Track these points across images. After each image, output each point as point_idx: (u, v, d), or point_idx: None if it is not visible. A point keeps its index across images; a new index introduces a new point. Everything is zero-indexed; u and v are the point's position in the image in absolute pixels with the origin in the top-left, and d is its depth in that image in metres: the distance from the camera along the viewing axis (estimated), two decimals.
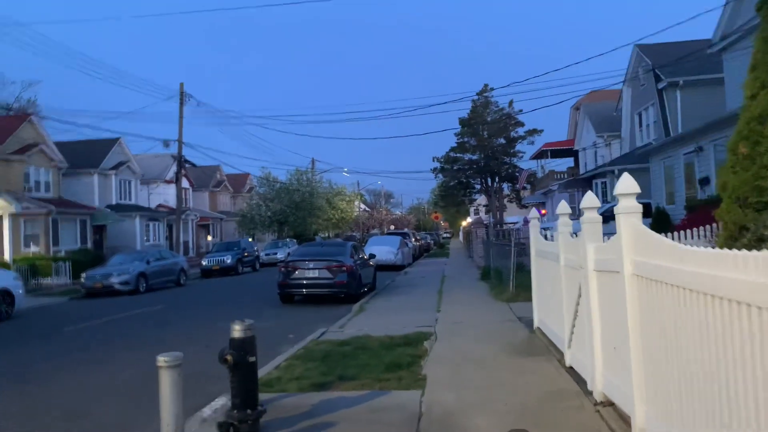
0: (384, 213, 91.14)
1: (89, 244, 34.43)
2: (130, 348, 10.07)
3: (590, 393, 5.34)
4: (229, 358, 4.79)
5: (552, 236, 8.66)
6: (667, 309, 3.43)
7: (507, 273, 14.07)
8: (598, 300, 5.10)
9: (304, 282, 14.62)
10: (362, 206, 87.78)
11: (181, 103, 31.05)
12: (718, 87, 22.76)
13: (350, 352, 8.01)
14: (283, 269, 14.95)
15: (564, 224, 6.67)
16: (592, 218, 5.33)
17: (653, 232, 3.75)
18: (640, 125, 27.55)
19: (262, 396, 5.90)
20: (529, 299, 12.78)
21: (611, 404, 4.93)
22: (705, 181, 14.92)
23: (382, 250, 27.42)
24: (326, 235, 70.34)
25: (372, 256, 18.12)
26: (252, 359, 4.88)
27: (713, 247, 3.22)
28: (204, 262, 30.91)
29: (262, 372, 7.15)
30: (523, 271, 13.58)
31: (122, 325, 13.44)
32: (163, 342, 10.37)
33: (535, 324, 8.89)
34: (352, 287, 14.74)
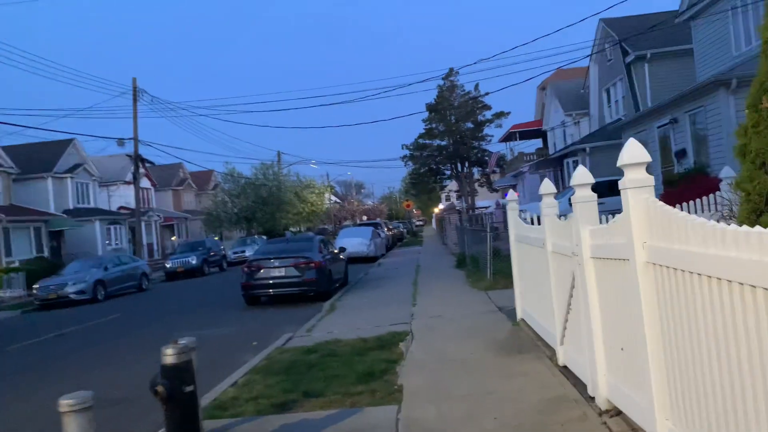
0: (355, 204, 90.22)
1: (46, 252, 32.82)
2: (63, 373, 9.01)
3: (592, 399, 4.61)
4: (160, 389, 3.92)
5: (531, 219, 7.94)
6: (700, 306, 2.68)
7: (483, 259, 13.38)
8: (598, 292, 4.36)
9: (270, 282, 13.70)
10: (333, 198, 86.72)
11: (135, 100, 29.59)
12: (687, 58, 22.38)
13: (318, 360, 7.17)
14: (246, 269, 14.00)
15: (548, 205, 5.94)
16: (585, 197, 4.58)
17: (677, 210, 2.98)
18: (609, 101, 27.15)
19: (213, 423, 5.03)
20: (508, 286, 12.12)
21: (618, 413, 4.20)
22: (681, 154, 14.42)
23: (354, 242, 26.58)
24: (297, 229, 69.12)
25: (342, 249, 17.26)
26: (189, 389, 4.01)
27: (729, 224, 2.49)
28: (168, 265, 29.65)
29: (216, 391, 6.28)
30: (500, 256, 12.92)
31: (71, 340, 12.35)
32: (107, 360, 9.41)
33: (519, 315, 8.18)
34: (322, 284, 13.88)
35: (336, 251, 16.70)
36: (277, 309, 13.73)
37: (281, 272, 13.71)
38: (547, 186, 6.02)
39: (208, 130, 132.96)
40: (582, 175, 4.58)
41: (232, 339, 10.21)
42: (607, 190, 19.45)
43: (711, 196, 9.09)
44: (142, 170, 50.04)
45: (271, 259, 13.93)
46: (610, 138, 23.33)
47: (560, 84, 34.27)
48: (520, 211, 18.84)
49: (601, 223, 4.70)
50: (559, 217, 5.73)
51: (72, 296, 19.63)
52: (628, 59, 23.60)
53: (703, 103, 13.29)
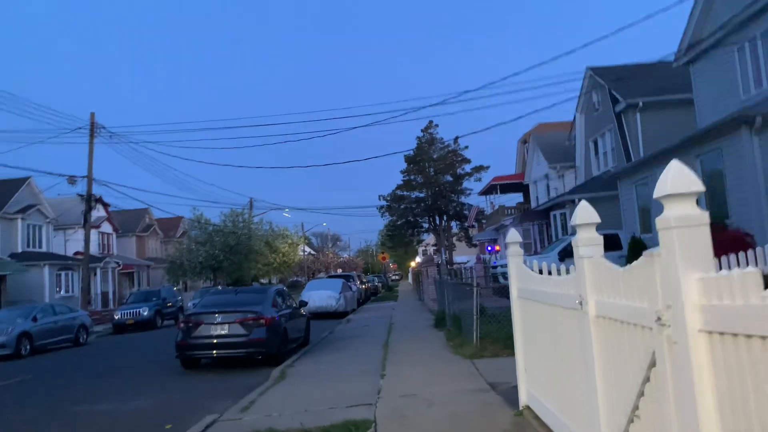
0: (330, 256, 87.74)
1: None
2: None
3: None
4: None
5: (540, 269, 5.92)
6: None
7: (467, 319, 11.21)
8: (716, 393, 2.28)
9: (210, 341, 11.30)
10: (308, 249, 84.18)
11: (92, 135, 27.42)
12: (683, 108, 21.14)
13: None
14: (183, 325, 11.60)
15: (589, 242, 3.89)
16: (686, 216, 2.55)
17: None
18: (596, 153, 25.76)
19: None
20: (498, 354, 9.95)
21: None
22: None
23: (322, 295, 24.22)
24: (267, 281, 66.26)
25: (303, 303, 14.97)
26: None
27: None
28: (117, 316, 26.80)
29: None
30: (486, 316, 10.79)
31: None
32: None
33: (523, 400, 6.00)
34: (273, 345, 11.52)
35: (296, 305, 14.41)
36: (217, 374, 11.31)
37: (224, 329, 11.34)
38: (586, 214, 4.00)
39: (177, 173, 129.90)
40: (681, 179, 2.55)
41: (144, 417, 7.80)
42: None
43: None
44: (104, 214, 47.56)
45: (213, 313, 11.57)
46: (601, 189, 21.73)
47: (543, 136, 33.09)
48: (499, 266, 16.72)
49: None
50: (619, 262, 3.68)
51: None
52: (619, 108, 22.32)
53: (720, 145, 11.63)
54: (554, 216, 23.07)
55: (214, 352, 11.41)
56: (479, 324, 10.20)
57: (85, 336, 21.16)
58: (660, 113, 21.48)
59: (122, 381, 11.18)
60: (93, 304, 40.50)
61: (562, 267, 4.66)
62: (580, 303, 3.83)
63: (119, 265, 44.22)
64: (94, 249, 44.55)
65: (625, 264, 3.27)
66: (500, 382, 7.71)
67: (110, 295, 41.35)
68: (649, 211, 15.28)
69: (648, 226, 15.27)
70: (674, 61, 17.55)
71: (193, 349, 11.45)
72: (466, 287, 11.48)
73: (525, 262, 5.98)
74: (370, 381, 8.65)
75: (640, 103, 21.47)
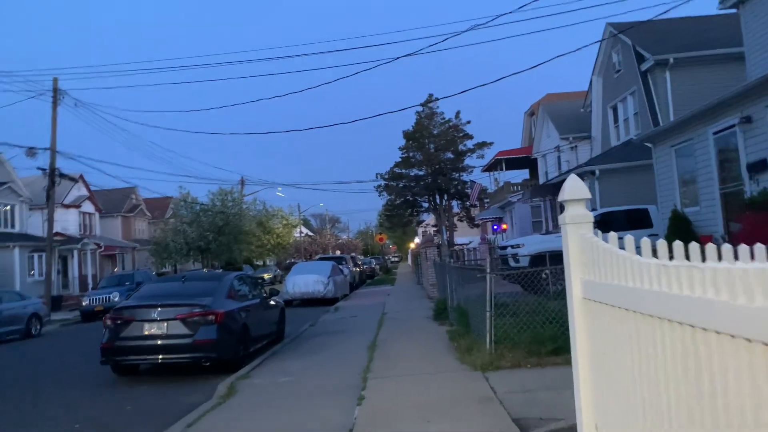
0: (328, 237, 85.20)
1: None
2: None
3: None
4: None
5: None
6: None
7: (477, 314, 8.62)
8: None
9: (144, 344, 8.71)
10: (305, 231, 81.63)
11: (55, 103, 24.64)
12: (719, 64, 18.39)
13: None
14: (110, 322, 9.00)
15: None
16: None
17: None
18: (616, 120, 23.01)
19: None
20: (521, 364, 7.35)
21: None
22: (760, 166, 10.00)
23: (308, 279, 21.65)
24: (262, 263, 63.76)
25: (274, 292, 12.37)
26: None
27: None
28: (85, 302, 24.31)
29: None
30: (502, 309, 8.20)
31: None
32: None
33: None
34: (227, 348, 8.94)
35: (265, 295, 11.81)
36: (154, 386, 8.75)
37: (162, 328, 8.74)
38: None
39: (163, 150, 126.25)
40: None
41: None
42: (626, 221, 14.82)
43: None
44: (85, 192, 44.86)
45: (149, 307, 8.96)
46: (624, 159, 19.04)
47: (554, 105, 30.28)
48: (503, 247, 14.18)
49: None
50: None
51: None
52: (645, 66, 19.53)
53: None
54: None
55: (148, 357, 8.83)
56: (494, 323, 7.58)
57: (38, 327, 18.64)
58: (693, 71, 18.72)
59: (23, 398, 8.61)
60: (70, 287, 38.07)
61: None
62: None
63: (100, 247, 41.63)
64: (74, 230, 42.00)
65: None
66: (532, 417, 5.13)
67: (89, 279, 38.81)
68: (694, 181, 12.62)
69: (695, 197, 12.61)
70: (720, 3, 14.74)
71: (121, 354, 8.87)
72: (474, 273, 8.85)
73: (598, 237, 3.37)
74: (342, 408, 6.08)
75: (671, 60, 18.69)
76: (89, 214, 45.05)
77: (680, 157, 13.24)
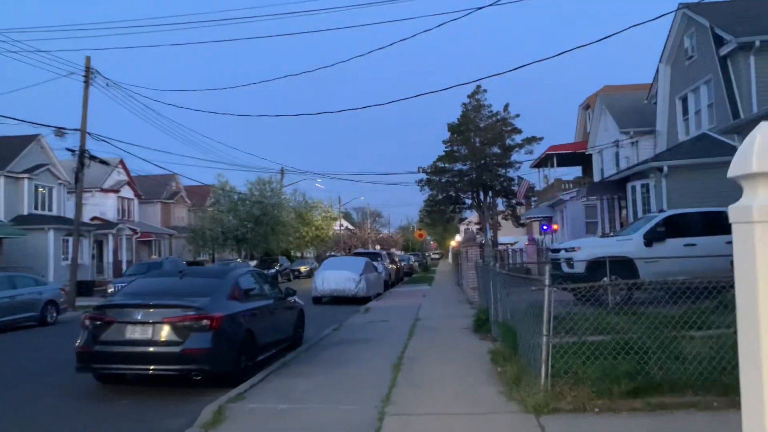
0: (368, 232, 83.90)
1: None
2: None
3: None
4: None
5: None
6: None
7: (528, 337, 6.85)
8: None
9: (124, 351, 7.30)
10: (345, 224, 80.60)
11: (87, 83, 23.83)
12: None
13: None
14: (88, 323, 7.63)
15: None
16: None
17: None
18: (685, 112, 20.65)
19: None
20: (587, 407, 5.52)
21: None
22: None
23: (339, 276, 20.16)
24: (300, 255, 62.87)
25: (291, 292, 10.86)
26: None
27: None
28: (110, 289, 23.52)
29: None
30: (557, 326, 6.42)
31: None
32: None
33: None
34: (224, 359, 7.46)
35: (280, 294, 10.31)
36: (136, 398, 7.33)
37: (146, 333, 7.31)
38: None
39: (199, 138, 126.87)
40: None
41: None
42: (702, 225, 12.67)
43: None
44: (124, 177, 44.65)
45: (134, 307, 7.54)
46: (700, 155, 16.80)
47: (613, 97, 27.90)
48: (555, 250, 12.35)
49: None
50: None
51: None
52: (725, 50, 17.19)
53: None
54: (633, 188, 18.20)
55: (130, 366, 7.42)
56: (553, 352, 5.82)
57: (54, 314, 17.75)
58: None
59: (10, 399, 7.31)
60: (105, 272, 37.76)
61: None
62: None
63: (136, 233, 41.24)
64: (112, 214, 41.80)
65: None
66: None
67: (124, 264, 38.38)
68: None
69: None
70: None
71: (99, 360, 7.48)
72: (526, 283, 7.07)
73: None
74: None
75: (757, 43, 16.33)
76: (128, 199, 44.84)
77: None
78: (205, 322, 7.31)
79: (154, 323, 7.29)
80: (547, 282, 5.85)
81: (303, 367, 8.55)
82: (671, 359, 6.14)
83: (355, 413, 5.93)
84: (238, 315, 8.07)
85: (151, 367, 7.27)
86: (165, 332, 7.26)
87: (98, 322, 7.51)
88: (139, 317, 7.36)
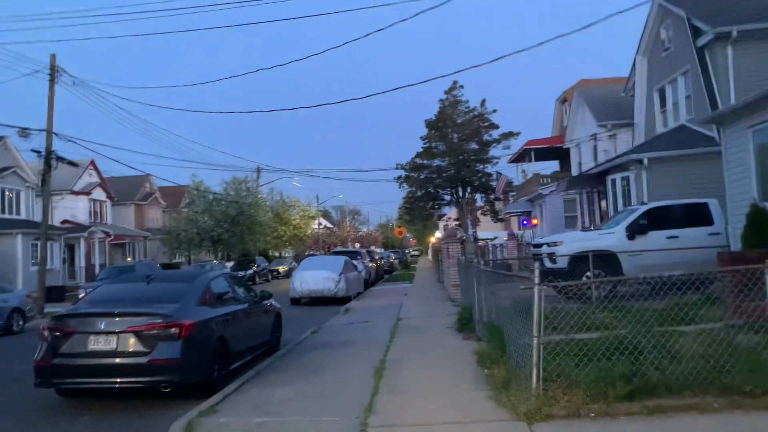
0: (348, 230, 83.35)
1: None
2: None
3: None
4: None
5: None
6: None
7: (514, 333, 6.51)
8: None
9: (87, 363, 6.80)
10: (324, 223, 79.92)
11: (52, 80, 22.99)
12: None
13: None
14: (47, 333, 7.11)
15: None
16: None
17: None
18: (663, 104, 20.59)
19: None
20: (581, 412, 5.14)
21: None
22: None
23: (318, 276, 19.70)
24: (278, 254, 62.11)
25: (267, 295, 10.41)
26: None
27: None
28: (81, 294, 22.68)
29: None
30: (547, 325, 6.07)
31: None
32: None
33: None
34: (195, 369, 7.01)
35: (255, 298, 9.85)
36: (98, 415, 6.84)
37: (110, 344, 6.82)
38: None
39: (172, 137, 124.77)
40: None
41: None
42: (682, 217, 12.52)
43: None
44: (96, 179, 43.52)
45: (96, 315, 7.03)
46: (676, 146, 16.71)
47: (591, 89, 27.85)
48: (537, 245, 12.11)
49: None
50: None
51: None
52: (702, 41, 17.09)
53: None
54: (613, 181, 18.05)
55: (93, 380, 6.91)
56: (544, 355, 5.48)
57: (20, 322, 17.01)
58: (760, 46, 16.28)
59: None
60: (77, 277, 36.72)
61: None
62: None
63: (109, 236, 40.22)
64: (84, 217, 40.69)
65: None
66: None
67: (96, 269, 37.38)
68: None
69: None
70: None
71: (59, 375, 6.96)
72: (513, 282, 6.72)
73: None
74: None
75: (734, 33, 16.22)
76: (100, 201, 43.75)
77: (762, 140, 10.93)
78: (173, 330, 6.84)
79: (118, 333, 6.80)
80: (536, 280, 5.51)
81: (280, 375, 8.11)
82: (666, 358, 5.86)
83: (335, 426, 5.53)
84: (210, 321, 7.60)
85: (116, 380, 6.77)
86: (130, 342, 6.78)
87: (57, 333, 6.99)
88: (102, 326, 6.86)
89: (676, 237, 13.38)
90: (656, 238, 13.33)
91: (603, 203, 20.70)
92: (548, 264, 13.69)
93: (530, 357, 5.63)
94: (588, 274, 12.92)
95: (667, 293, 7.06)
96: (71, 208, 40.49)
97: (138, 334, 6.76)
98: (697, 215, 13.68)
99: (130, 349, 6.77)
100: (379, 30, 14.84)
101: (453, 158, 46.75)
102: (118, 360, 6.76)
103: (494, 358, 7.16)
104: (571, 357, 5.86)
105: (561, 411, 5.28)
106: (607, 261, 13.13)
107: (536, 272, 5.57)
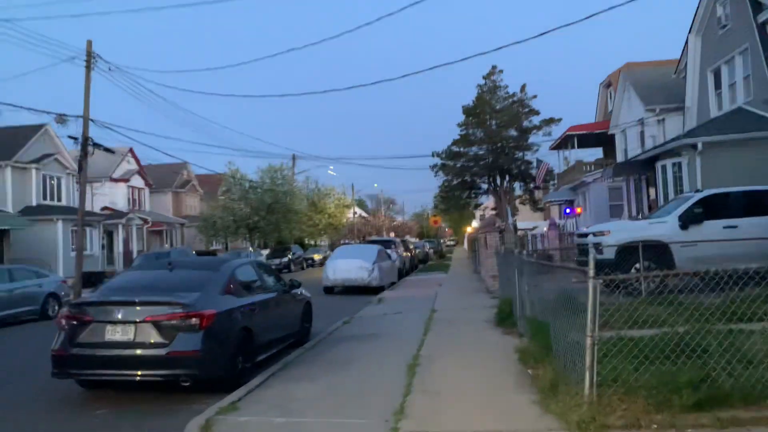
0: (383, 219, 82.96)
1: None
2: None
3: None
4: None
5: None
6: None
7: (563, 331, 5.85)
8: None
9: (104, 354, 6.45)
10: (359, 211, 79.69)
11: (88, 67, 23.02)
12: None
13: None
14: (64, 322, 6.80)
15: None
16: None
17: None
18: (718, 86, 19.35)
19: None
20: (642, 424, 4.61)
21: None
22: None
23: (351, 265, 19.27)
24: (313, 243, 62.15)
25: (296, 284, 9.96)
26: None
27: None
28: None
29: None
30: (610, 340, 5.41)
31: None
32: None
33: None
34: (217, 362, 6.60)
35: (284, 287, 9.41)
36: (117, 407, 6.49)
37: (127, 334, 6.46)
38: None
39: (212, 126, 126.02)
40: None
41: None
42: (744, 205, 11.48)
43: None
44: (134, 167, 44.05)
45: (114, 304, 6.68)
46: (737, 130, 15.58)
47: (637, 73, 26.53)
48: (583, 235, 11.33)
49: None
50: None
51: None
52: (765, 16, 15.89)
53: None
54: (663, 168, 17.00)
55: (109, 372, 6.56)
56: (597, 359, 4.84)
57: (56, 307, 17.01)
58: None
59: None
60: (116, 263, 37.26)
61: None
62: None
63: (147, 222, 40.68)
64: (122, 204, 41.26)
65: None
66: None
67: (134, 255, 37.83)
68: None
69: None
70: None
71: (75, 365, 6.64)
72: (564, 273, 6.06)
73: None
74: None
75: None
76: (139, 188, 44.30)
77: None
78: (193, 320, 6.43)
79: (136, 322, 6.43)
80: (591, 273, 4.85)
81: (307, 369, 7.64)
82: (742, 362, 5.14)
83: (363, 430, 5.01)
84: (234, 311, 7.18)
85: (133, 373, 6.41)
86: (148, 333, 6.39)
87: (75, 322, 6.67)
88: (119, 316, 6.50)
89: (735, 227, 12.39)
90: (712, 227, 12.37)
91: (651, 191, 19.62)
92: (594, 255, 12.89)
93: (582, 358, 4.99)
94: (637, 266, 12.09)
95: (724, 288, 6.30)
96: (110, 195, 41.11)
97: (157, 325, 6.37)
98: (759, 204, 12.66)
99: (149, 340, 6.39)
100: (414, 3, 14.08)
101: (491, 146, 45.65)
102: (135, 351, 6.39)
103: (539, 357, 6.52)
104: (627, 358, 5.19)
105: (618, 421, 4.64)
106: (657, 252, 12.24)
107: (591, 264, 4.92)
